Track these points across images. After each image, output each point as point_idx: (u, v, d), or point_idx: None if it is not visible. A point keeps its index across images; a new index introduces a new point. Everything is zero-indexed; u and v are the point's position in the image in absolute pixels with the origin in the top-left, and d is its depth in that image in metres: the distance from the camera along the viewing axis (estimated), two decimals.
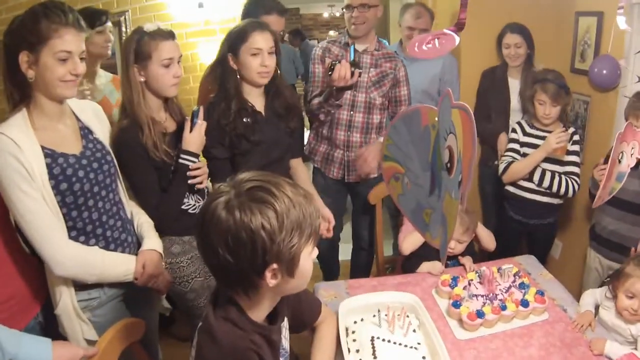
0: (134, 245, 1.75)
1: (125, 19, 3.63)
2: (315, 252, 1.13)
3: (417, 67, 2.92)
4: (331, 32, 7.36)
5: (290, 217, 1.00)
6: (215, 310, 1.11)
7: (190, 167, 1.80)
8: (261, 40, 1.91)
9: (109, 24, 2.49)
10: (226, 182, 1.06)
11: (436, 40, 1.58)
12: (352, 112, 2.54)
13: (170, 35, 1.76)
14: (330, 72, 2.16)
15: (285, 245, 1.00)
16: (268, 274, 1.03)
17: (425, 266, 2.11)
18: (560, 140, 2.39)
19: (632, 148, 1.90)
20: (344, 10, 2.50)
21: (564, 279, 2.09)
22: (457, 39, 1.55)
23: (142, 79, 1.75)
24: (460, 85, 3.09)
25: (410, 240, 2.21)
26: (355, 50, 2.20)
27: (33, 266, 1.59)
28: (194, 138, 1.81)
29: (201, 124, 1.82)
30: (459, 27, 1.56)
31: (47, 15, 1.40)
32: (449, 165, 1.43)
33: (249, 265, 1.01)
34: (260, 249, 0.99)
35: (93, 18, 2.39)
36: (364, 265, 2.97)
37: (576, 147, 2.52)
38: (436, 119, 1.48)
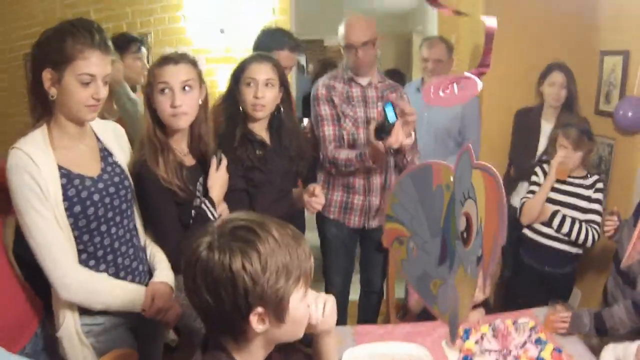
0: (145, 274, 1.71)
1: (146, 41, 3.68)
2: (316, 295, 1.08)
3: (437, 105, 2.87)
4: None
5: (275, 258, 0.97)
6: (204, 357, 1.07)
7: (212, 219, 1.76)
8: (257, 71, 1.87)
9: (144, 50, 2.51)
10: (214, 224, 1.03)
11: (454, 85, 1.38)
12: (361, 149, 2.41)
13: (174, 58, 1.68)
14: (385, 135, 1.97)
15: (270, 287, 0.96)
16: (253, 318, 0.98)
17: None
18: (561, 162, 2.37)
19: None
20: (343, 49, 2.39)
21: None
22: (480, 85, 1.35)
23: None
24: (481, 122, 3.02)
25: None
26: (394, 107, 2.01)
27: (23, 297, 1.56)
28: (220, 178, 1.77)
29: (224, 163, 1.79)
30: (481, 71, 1.38)
31: (74, 35, 1.38)
32: (465, 235, 1.29)
33: (232, 307, 0.97)
34: (242, 291, 0.95)
35: (129, 43, 2.41)
36: (374, 307, 2.86)
37: (599, 195, 2.44)
38: (451, 178, 1.34)
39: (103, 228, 1.53)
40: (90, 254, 1.53)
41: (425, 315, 2.08)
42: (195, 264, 0.97)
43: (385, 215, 1.62)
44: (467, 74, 1.40)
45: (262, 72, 1.88)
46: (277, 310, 0.99)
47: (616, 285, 2.09)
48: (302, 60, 6.95)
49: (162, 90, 1.65)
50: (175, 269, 1.75)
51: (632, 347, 1.69)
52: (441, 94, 1.40)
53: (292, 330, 1.07)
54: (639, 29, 2.60)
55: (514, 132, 3.07)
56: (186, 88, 1.66)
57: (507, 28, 2.96)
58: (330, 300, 1.18)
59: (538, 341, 1.79)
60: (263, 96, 1.88)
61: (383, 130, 1.97)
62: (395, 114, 1.97)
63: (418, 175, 1.51)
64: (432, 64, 2.93)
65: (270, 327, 1.01)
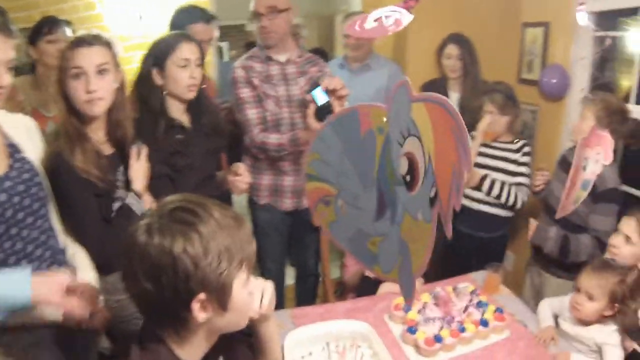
0: None
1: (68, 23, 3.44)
2: (255, 283, 1.02)
3: (361, 79, 2.83)
4: None
5: (217, 240, 0.91)
6: (142, 353, 0.99)
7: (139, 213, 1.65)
8: (189, 51, 1.80)
9: (66, 32, 2.31)
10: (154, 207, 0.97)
11: (384, 17, 1.30)
12: (294, 132, 2.30)
13: (87, 40, 1.57)
14: (327, 114, 1.79)
15: (212, 271, 0.90)
16: (195, 306, 0.91)
17: (386, 286, 2.00)
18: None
19: (598, 154, 1.81)
20: (252, 20, 2.28)
21: (519, 290, 2.05)
22: (409, 17, 1.29)
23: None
24: None
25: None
26: (322, 90, 1.93)
27: None
28: (141, 168, 1.66)
29: (144, 152, 1.68)
30: (410, 4, 1.32)
31: None
32: (409, 178, 1.15)
33: (173, 294, 0.90)
34: (183, 275, 0.88)
35: (46, 26, 2.26)
36: (311, 290, 2.79)
37: (526, 159, 2.49)
38: (384, 119, 1.19)
39: (13, 231, 1.37)
40: (1, 262, 1.35)
41: (364, 292, 2.05)
42: (133, 249, 0.91)
43: (305, 175, 1.45)
44: (396, 6, 1.34)
45: (194, 52, 1.82)
46: (220, 296, 0.94)
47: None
48: (225, 46, 6.78)
49: (77, 75, 1.53)
50: (100, 268, 1.62)
51: (566, 299, 1.74)
52: (367, 26, 1.31)
53: (235, 319, 1.01)
54: (559, 2, 2.68)
55: None
56: (102, 72, 1.55)
57: (431, 2, 3.01)
58: (269, 288, 1.13)
59: (480, 304, 1.79)
60: (197, 76, 1.83)
61: (325, 111, 1.89)
62: (325, 92, 1.91)
63: (342, 123, 1.34)
64: (354, 39, 2.88)
65: (213, 316, 0.95)
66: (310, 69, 2.36)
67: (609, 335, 1.60)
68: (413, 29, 3.12)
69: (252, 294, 1.05)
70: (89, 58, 1.53)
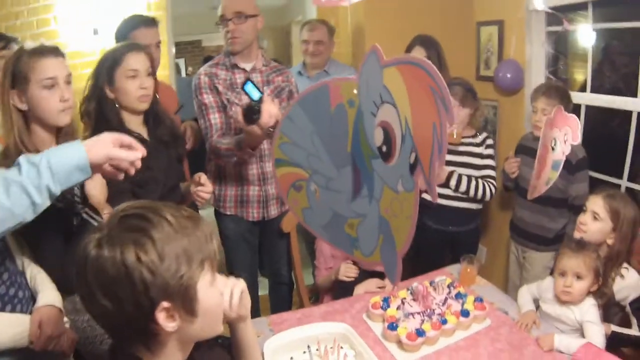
0: (28, 300, 1.46)
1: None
2: (224, 282, 0.97)
3: None
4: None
5: (173, 243, 0.86)
6: None
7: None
8: (137, 61, 1.74)
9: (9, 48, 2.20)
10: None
11: None
12: (239, 136, 2.20)
13: (50, 51, 1.52)
14: (256, 117, 1.71)
15: (172, 276, 0.85)
16: (160, 316, 0.85)
17: (361, 288, 1.97)
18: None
19: (565, 134, 1.85)
20: (219, 24, 2.22)
21: (494, 282, 2.07)
22: None
23: (24, 107, 1.48)
24: None
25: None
26: (254, 83, 1.78)
27: None
28: (98, 183, 1.57)
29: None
30: None
31: None
32: (385, 148, 1.09)
33: (134, 308, 0.84)
34: (141, 286, 0.83)
35: None
36: (286, 298, 2.73)
37: (490, 151, 2.53)
38: (355, 91, 1.13)
39: None
40: None
41: (339, 296, 2.00)
42: (85, 265, 0.85)
43: (273, 160, 1.35)
44: None
45: (143, 62, 1.76)
46: (186, 301, 0.88)
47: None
48: (181, 63, 6.72)
49: (50, 86, 1.49)
50: (63, 287, 1.52)
51: (544, 283, 1.75)
52: None
53: (208, 324, 0.95)
54: (511, 0, 2.78)
55: None
56: (69, 82, 1.54)
57: (387, 3, 3.05)
58: (240, 284, 1.08)
59: (458, 295, 1.78)
60: (149, 85, 1.76)
61: (252, 112, 1.73)
62: (259, 89, 1.76)
63: (310, 101, 1.25)
64: (313, 46, 2.88)
65: (182, 324, 0.89)
66: (276, 78, 2.33)
67: (587, 312, 1.62)
68: (370, 34, 3.20)
69: (222, 294, 1.01)
70: (60, 68, 1.51)
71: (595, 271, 1.62)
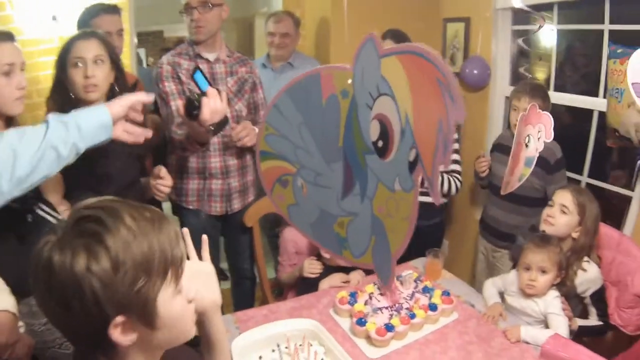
0: None
1: None
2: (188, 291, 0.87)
3: (285, 78, 2.75)
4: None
5: (130, 252, 0.76)
6: None
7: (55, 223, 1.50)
8: (83, 49, 1.65)
9: None
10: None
11: None
12: (221, 133, 2.15)
13: (7, 36, 1.44)
14: (196, 112, 1.58)
15: (127, 289, 0.76)
16: (115, 331, 0.78)
17: (325, 283, 1.95)
18: None
19: (539, 131, 1.88)
20: (183, 13, 2.14)
21: (459, 275, 2.09)
22: None
23: None
24: None
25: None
26: (203, 73, 1.65)
27: None
28: (53, 177, 1.48)
29: None
30: None
31: None
32: (381, 143, 1.01)
33: (85, 319, 0.77)
34: (91, 297, 0.74)
35: None
36: (248, 293, 2.68)
37: (456, 146, 2.54)
38: (349, 81, 1.04)
39: None
40: None
41: (303, 290, 1.99)
42: (38, 268, 0.78)
43: (259, 153, 1.25)
44: None
45: (89, 49, 1.66)
46: (144, 315, 0.80)
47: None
48: (142, 53, 6.53)
49: (7, 73, 1.43)
50: (17, 291, 1.43)
51: (508, 277, 1.78)
52: None
53: (175, 334, 0.87)
54: None
55: None
56: (23, 69, 1.48)
57: (353, 1, 3.04)
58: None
59: (425, 289, 1.78)
60: (93, 75, 1.65)
61: (192, 106, 1.57)
62: (207, 80, 1.62)
63: (300, 90, 1.15)
64: (279, 38, 2.83)
65: (143, 336, 0.81)
66: (240, 69, 2.27)
67: (551, 304, 1.66)
68: (335, 28, 3.18)
69: (191, 301, 0.90)
70: (16, 54, 1.44)
71: (558, 265, 1.66)
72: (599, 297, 1.79)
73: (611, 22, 2.23)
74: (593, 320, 1.78)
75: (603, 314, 1.79)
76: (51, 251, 0.76)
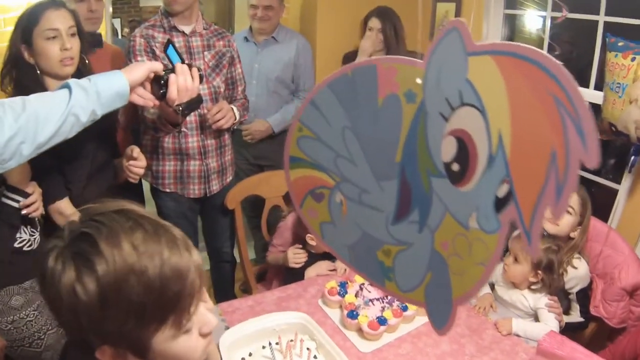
0: None
1: None
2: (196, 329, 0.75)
3: (269, 53, 2.67)
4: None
5: (122, 293, 0.65)
6: None
7: (20, 205, 1.45)
8: (57, 20, 1.52)
9: None
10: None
11: None
12: (198, 111, 2.05)
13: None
14: (163, 91, 1.41)
15: (115, 327, 0.67)
16: (101, 356, 0.71)
17: (312, 271, 1.91)
18: None
19: None
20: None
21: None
22: None
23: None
24: (315, 70, 2.92)
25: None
26: (175, 48, 1.52)
27: None
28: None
29: None
30: None
31: None
32: (457, 167, 0.78)
33: (72, 336, 0.74)
34: (74, 321, 0.67)
35: None
36: (228, 276, 2.60)
37: None
38: (418, 80, 0.80)
39: None
40: None
41: (289, 280, 1.93)
42: (42, 271, 0.70)
43: (288, 158, 1.03)
44: None
45: (63, 21, 1.53)
46: (133, 349, 0.71)
47: None
48: (117, 23, 6.25)
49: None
50: None
51: (499, 267, 1.77)
52: None
53: None
54: None
55: None
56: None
57: None
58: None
59: None
60: (72, 47, 1.53)
61: (159, 84, 1.40)
62: (179, 55, 1.49)
63: (347, 84, 0.90)
64: (262, 10, 2.67)
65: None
66: (217, 43, 2.14)
67: (541, 299, 1.67)
68: (322, 3, 3.06)
69: (206, 335, 0.77)
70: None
71: (536, 262, 1.65)
72: (584, 294, 1.81)
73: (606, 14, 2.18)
74: (575, 316, 1.80)
75: (586, 310, 1.81)
76: (54, 258, 0.68)
